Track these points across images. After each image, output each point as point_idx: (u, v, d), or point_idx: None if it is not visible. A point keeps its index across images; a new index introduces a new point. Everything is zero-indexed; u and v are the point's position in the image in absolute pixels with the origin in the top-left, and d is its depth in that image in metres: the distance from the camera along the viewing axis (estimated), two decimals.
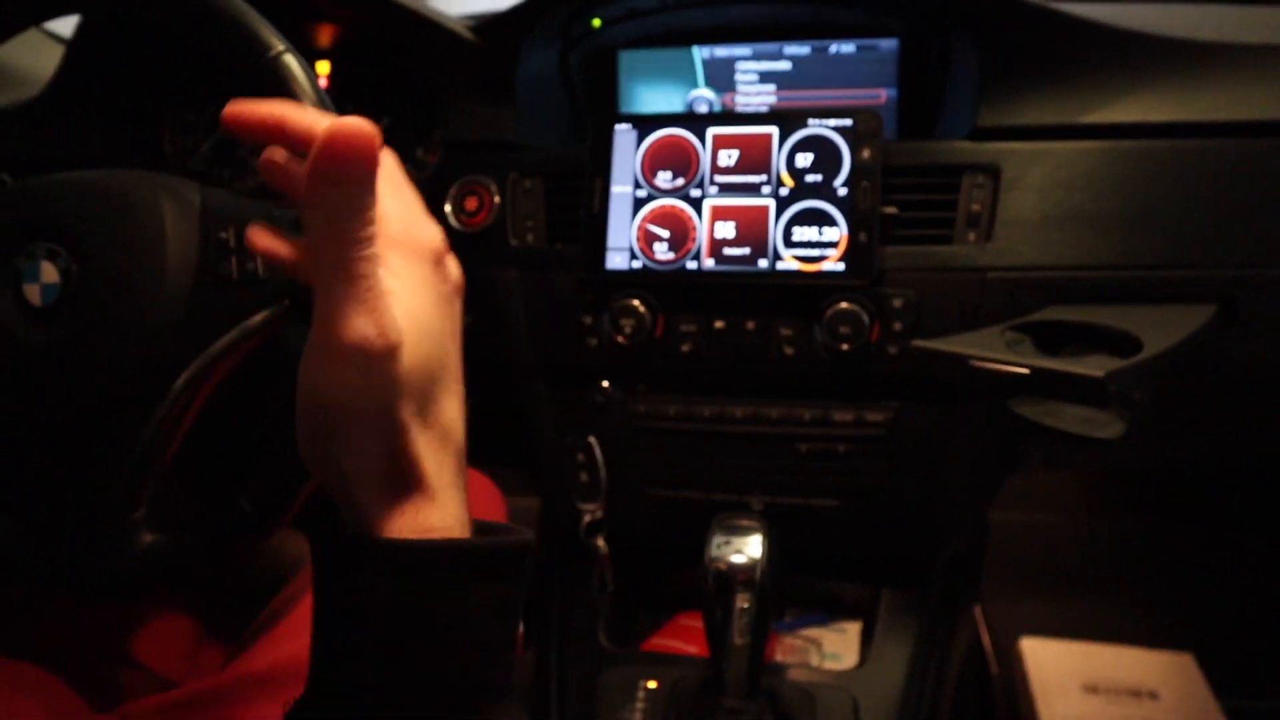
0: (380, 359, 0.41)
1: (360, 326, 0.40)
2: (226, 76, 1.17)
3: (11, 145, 1.09)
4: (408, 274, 0.44)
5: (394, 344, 0.41)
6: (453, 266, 0.49)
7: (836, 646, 1.09)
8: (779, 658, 1.08)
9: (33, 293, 0.78)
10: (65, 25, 1.16)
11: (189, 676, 0.94)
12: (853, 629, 1.11)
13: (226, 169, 1.15)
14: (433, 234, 0.47)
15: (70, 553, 0.78)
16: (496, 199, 1.00)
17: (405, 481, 0.43)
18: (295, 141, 0.46)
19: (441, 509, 0.43)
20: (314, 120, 0.45)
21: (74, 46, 1.11)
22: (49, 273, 0.78)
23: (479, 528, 0.45)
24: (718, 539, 0.88)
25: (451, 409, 0.46)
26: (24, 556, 0.79)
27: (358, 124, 0.38)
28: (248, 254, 0.78)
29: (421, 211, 0.48)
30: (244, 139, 0.48)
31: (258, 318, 0.77)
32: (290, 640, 0.77)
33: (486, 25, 1.02)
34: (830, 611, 1.14)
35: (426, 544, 0.41)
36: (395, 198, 0.46)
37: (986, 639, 1.29)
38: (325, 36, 1.13)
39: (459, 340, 0.48)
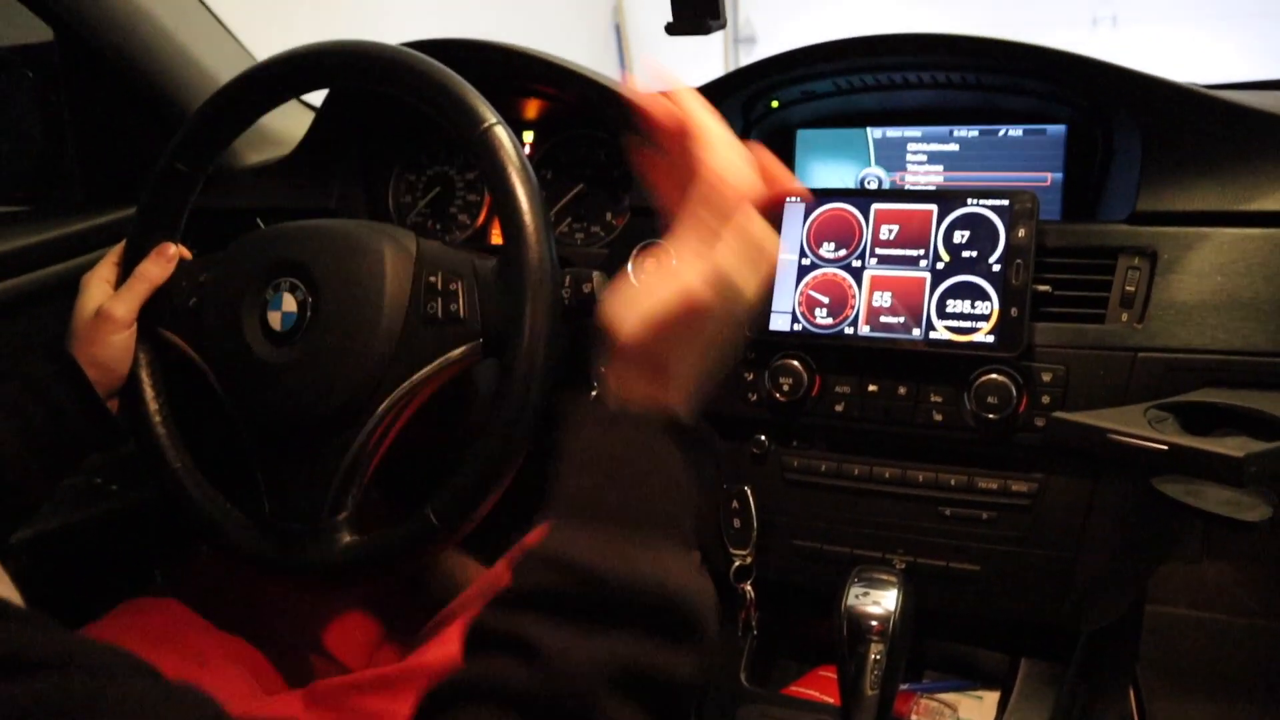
0: None
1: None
2: (444, 144, 1.32)
3: (265, 196, 1.27)
4: None
5: None
6: None
7: (972, 713, 1.10)
8: (913, 718, 1.10)
9: (275, 319, 0.92)
10: (316, 95, 1.33)
11: (366, 667, 1.05)
12: (990, 697, 1.12)
13: (439, 223, 1.29)
14: None
15: (285, 544, 0.91)
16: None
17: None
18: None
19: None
20: None
21: (321, 114, 1.28)
22: (289, 303, 0.91)
23: None
24: (855, 589, 0.93)
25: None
26: (249, 543, 0.91)
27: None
28: (452, 296, 0.89)
29: None
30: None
31: (456, 352, 0.88)
32: (458, 642, 0.86)
33: None
34: (969, 678, 1.14)
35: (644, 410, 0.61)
36: None
37: None
38: (532, 110, 1.26)
39: None
